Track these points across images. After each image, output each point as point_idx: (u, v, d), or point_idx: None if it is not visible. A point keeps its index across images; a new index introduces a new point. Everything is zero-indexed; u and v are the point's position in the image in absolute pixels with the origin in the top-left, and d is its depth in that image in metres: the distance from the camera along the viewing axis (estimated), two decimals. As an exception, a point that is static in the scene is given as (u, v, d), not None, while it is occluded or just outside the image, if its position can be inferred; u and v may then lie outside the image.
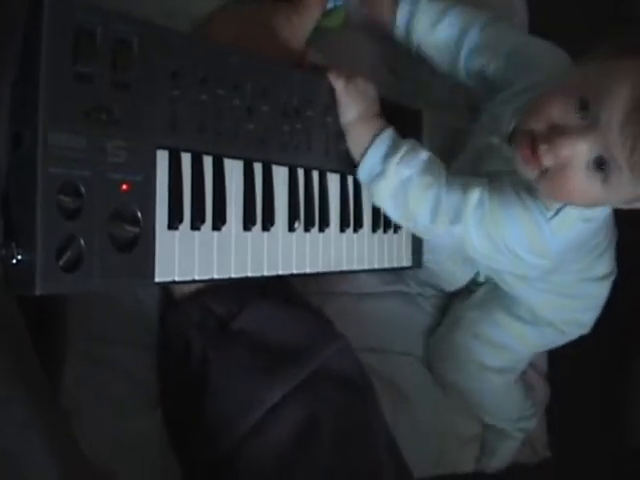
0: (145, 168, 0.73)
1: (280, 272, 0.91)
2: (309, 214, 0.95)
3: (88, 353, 0.90)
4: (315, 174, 0.97)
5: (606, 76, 0.82)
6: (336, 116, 0.98)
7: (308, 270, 0.95)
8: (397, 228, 1.13)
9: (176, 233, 0.76)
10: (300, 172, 0.94)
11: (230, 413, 0.86)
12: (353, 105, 0.97)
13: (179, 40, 0.76)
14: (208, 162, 0.81)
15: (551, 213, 0.96)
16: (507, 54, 1.08)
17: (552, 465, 1.42)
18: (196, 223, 0.79)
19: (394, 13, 1.13)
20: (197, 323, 0.89)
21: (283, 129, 0.90)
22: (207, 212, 0.80)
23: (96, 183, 0.68)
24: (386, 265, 1.11)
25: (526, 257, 1.01)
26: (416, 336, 1.25)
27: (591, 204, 0.93)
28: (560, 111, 0.85)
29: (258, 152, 0.87)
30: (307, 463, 0.84)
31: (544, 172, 0.88)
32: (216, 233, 0.82)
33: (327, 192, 0.98)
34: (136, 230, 0.71)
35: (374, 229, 1.08)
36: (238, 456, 0.85)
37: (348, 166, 1.01)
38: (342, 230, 1.01)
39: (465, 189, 0.99)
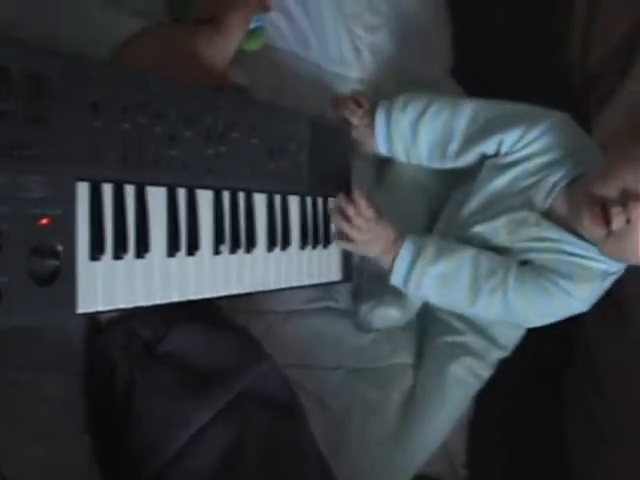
0: (65, 201, 0.72)
1: (206, 295, 0.91)
2: (235, 236, 0.96)
3: (9, 380, 0.89)
4: (241, 195, 0.97)
5: None
6: (262, 136, 0.99)
7: (235, 291, 0.96)
8: (326, 243, 1.14)
9: (98, 264, 0.77)
10: (226, 195, 0.94)
11: (156, 437, 0.86)
12: (375, 245, 1.14)
13: (98, 69, 0.76)
14: (130, 191, 0.81)
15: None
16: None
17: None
18: (119, 253, 0.79)
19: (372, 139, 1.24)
20: (123, 347, 0.89)
21: (207, 153, 0.90)
22: (130, 241, 0.80)
23: (15, 220, 0.68)
24: (315, 281, 1.12)
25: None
26: (346, 349, 1.25)
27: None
28: (631, 180, 0.95)
29: (182, 178, 0.87)
30: None
31: (610, 233, 0.98)
32: (140, 261, 0.82)
33: (254, 213, 0.99)
34: (56, 263, 0.71)
35: (302, 246, 1.09)
36: None
37: (274, 185, 1.02)
38: (270, 249, 1.02)
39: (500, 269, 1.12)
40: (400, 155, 1.26)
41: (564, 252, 1.10)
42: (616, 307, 1.29)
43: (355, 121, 1.24)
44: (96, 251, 0.76)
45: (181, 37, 0.96)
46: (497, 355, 1.30)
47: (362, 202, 1.12)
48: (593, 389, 1.51)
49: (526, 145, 1.14)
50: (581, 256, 1.09)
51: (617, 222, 0.96)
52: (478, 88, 1.30)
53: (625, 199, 0.96)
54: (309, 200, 1.11)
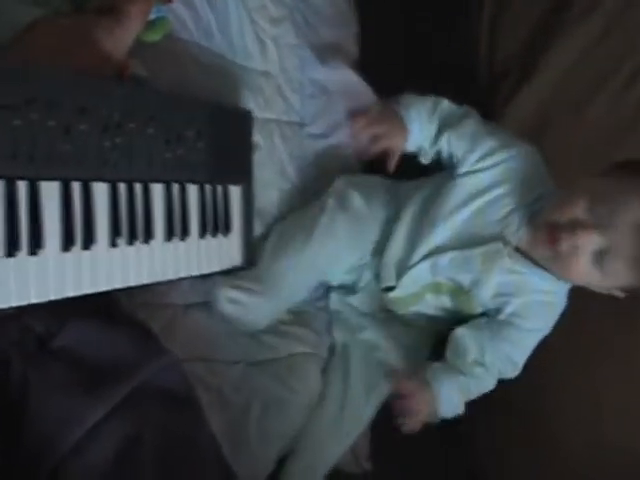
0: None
1: (103, 288, 0.91)
2: (132, 228, 0.95)
3: None
4: (138, 186, 0.96)
5: (621, 192, 1.05)
6: (159, 125, 0.98)
7: (133, 283, 0.95)
8: (227, 231, 1.14)
9: (-10, 261, 0.75)
10: (122, 186, 0.94)
11: (50, 433, 0.84)
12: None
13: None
14: (22, 187, 0.79)
15: None
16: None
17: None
18: (11, 250, 0.77)
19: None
20: (16, 342, 0.87)
21: (103, 145, 0.89)
22: (22, 238, 0.79)
23: None
24: (216, 269, 1.13)
25: None
26: (245, 342, 1.26)
27: (587, 284, 1.15)
28: (582, 211, 1.07)
29: (76, 172, 0.86)
30: None
31: (557, 254, 1.10)
32: (33, 258, 0.81)
33: (151, 203, 0.98)
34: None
35: (202, 235, 1.09)
36: (62, 477, 0.84)
37: (173, 174, 1.02)
38: (168, 239, 1.02)
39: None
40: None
41: (533, 288, 1.22)
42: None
43: (379, 130, 1.28)
44: (-13, 249, 0.75)
45: (80, 27, 0.94)
46: None
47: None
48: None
49: (493, 165, 1.22)
50: (546, 292, 1.22)
51: (565, 245, 1.08)
52: (383, 82, 1.33)
53: (574, 227, 1.07)
54: (208, 188, 1.11)
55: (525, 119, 1.54)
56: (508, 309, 1.25)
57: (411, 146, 1.29)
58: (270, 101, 1.34)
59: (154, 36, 1.09)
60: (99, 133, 0.88)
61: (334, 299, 1.41)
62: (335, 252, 1.29)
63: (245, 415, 1.21)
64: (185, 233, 1.05)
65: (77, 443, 0.84)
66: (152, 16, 1.05)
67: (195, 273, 1.08)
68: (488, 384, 1.30)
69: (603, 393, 1.39)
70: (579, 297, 1.23)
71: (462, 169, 1.24)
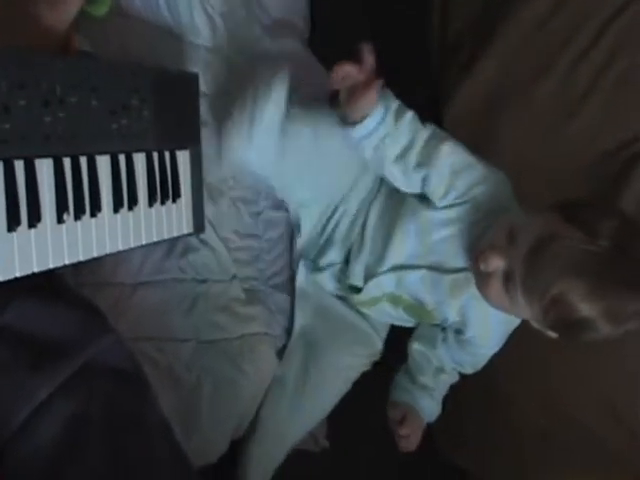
0: None
1: (51, 266, 0.90)
2: (78, 202, 0.94)
3: None
4: (83, 160, 0.95)
5: (529, 223, 1.09)
6: (102, 96, 0.96)
7: (82, 258, 0.95)
8: (175, 198, 1.14)
9: None
10: (66, 161, 0.92)
11: None
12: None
13: None
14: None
15: None
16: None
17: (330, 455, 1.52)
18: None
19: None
20: None
21: (44, 120, 0.87)
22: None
23: None
24: (166, 236, 1.12)
25: None
26: (196, 320, 1.25)
27: (503, 310, 1.17)
28: (502, 238, 1.10)
29: (18, 149, 0.84)
30: (78, 460, 0.84)
31: (477, 276, 1.15)
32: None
33: (97, 176, 0.97)
34: None
35: (150, 203, 1.08)
36: (9, 455, 0.83)
37: (118, 145, 1.00)
38: (116, 211, 1.01)
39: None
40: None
41: (496, 318, 1.23)
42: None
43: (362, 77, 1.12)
44: None
45: (19, 1, 0.91)
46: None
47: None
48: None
49: (465, 202, 1.19)
50: (508, 321, 1.24)
51: (480, 265, 1.11)
52: (332, 60, 1.31)
53: (489, 249, 1.10)
54: (156, 155, 1.10)
55: (478, 92, 1.54)
56: (469, 332, 1.27)
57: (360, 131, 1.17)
58: (218, 77, 1.31)
59: (99, 10, 1.07)
60: (40, 108, 0.87)
61: (302, 273, 1.40)
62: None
63: (196, 393, 1.22)
64: (133, 203, 1.04)
65: (23, 423, 0.84)
66: (96, -10, 1.02)
67: (144, 242, 1.07)
68: (454, 379, 1.36)
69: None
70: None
71: (436, 203, 1.21)
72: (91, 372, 0.90)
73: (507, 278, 1.09)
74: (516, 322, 1.25)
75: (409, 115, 1.17)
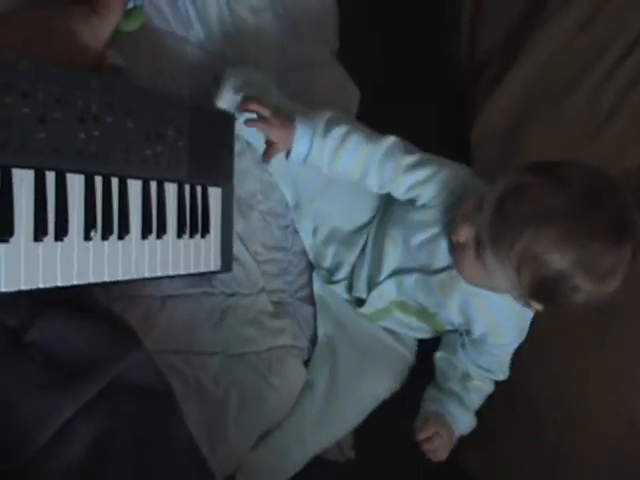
0: None
1: (75, 282, 0.89)
2: (107, 222, 0.93)
3: None
4: (114, 180, 0.95)
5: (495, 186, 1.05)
6: (138, 120, 0.96)
7: (107, 279, 0.94)
8: (205, 233, 1.13)
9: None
10: (98, 179, 0.92)
11: (20, 431, 0.83)
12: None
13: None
14: (-6, 173, 0.78)
15: None
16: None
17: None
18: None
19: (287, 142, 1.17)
20: None
21: (79, 136, 0.88)
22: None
23: None
24: (192, 270, 1.11)
25: None
26: (224, 334, 1.24)
27: (482, 284, 1.14)
28: (468, 208, 1.09)
29: (51, 161, 0.84)
30: (103, 478, 0.83)
31: (452, 251, 1.15)
32: (3, 245, 0.79)
33: (127, 199, 0.97)
34: None
35: (179, 235, 1.07)
36: (34, 476, 0.82)
37: (151, 171, 1.00)
38: (144, 237, 1.00)
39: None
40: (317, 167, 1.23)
41: (495, 309, 1.20)
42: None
43: (266, 113, 1.15)
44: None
45: (56, 17, 0.93)
46: None
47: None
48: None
49: (439, 204, 1.19)
50: (509, 313, 1.20)
51: (453, 237, 1.11)
52: (362, 72, 1.31)
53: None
54: (187, 188, 1.10)
55: (505, 109, 1.54)
56: (477, 330, 1.24)
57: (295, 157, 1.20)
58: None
59: (131, 26, 1.08)
60: (75, 124, 0.87)
61: (317, 282, 1.40)
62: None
63: (223, 407, 1.20)
64: (162, 231, 1.03)
65: (48, 442, 0.83)
66: (129, 5, 1.04)
67: (170, 273, 1.06)
68: (488, 388, 1.31)
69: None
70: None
71: (417, 203, 1.22)
72: (117, 391, 0.90)
73: (478, 245, 1.06)
74: (528, 314, 1.21)
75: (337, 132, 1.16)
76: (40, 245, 0.84)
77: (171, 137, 1.03)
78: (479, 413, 1.31)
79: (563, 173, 0.99)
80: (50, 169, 0.85)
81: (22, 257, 0.82)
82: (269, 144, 1.18)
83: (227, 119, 1.18)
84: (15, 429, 0.84)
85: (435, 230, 1.19)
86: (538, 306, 1.06)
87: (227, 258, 1.19)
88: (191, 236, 1.10)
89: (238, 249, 1.25)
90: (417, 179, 1.18)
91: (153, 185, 1.02)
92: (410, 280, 1.24)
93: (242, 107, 1.15)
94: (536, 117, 1.49)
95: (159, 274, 1.04)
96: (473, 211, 1.07)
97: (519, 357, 1.29)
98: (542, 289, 1.01)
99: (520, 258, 0.98)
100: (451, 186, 1.17)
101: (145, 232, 1.00)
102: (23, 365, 0.86)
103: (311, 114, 1.17)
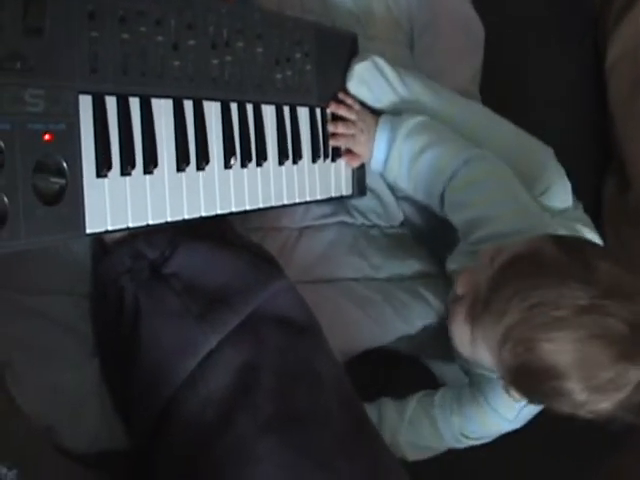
0: (67, 116, 0.69)
1: (218, 212, 0.89)
2: (245, 149, 0.92)
3: (15, 303, 0.88)
4: (249, 107, 0.94)
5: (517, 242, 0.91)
6: (268, 45, 0.95)
7: (248, 207, 0.93)
8: (335, 157, 1.10)
9: (105, 181, 0.74)
10: (233, 106, 0.91)
11: (164, 363, 0.83)
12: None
13: (94, -22, 0.72)
14: (135, 104, 0.78)
15: None
16: None
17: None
18: (126, 168, 0.76)
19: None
20: (129, 269, 0.86)
21: (212, 63, 0.87)
22: (137, 156, 0.77)
23: (16, 136, 0.64)
24: (328, 195, 1.09)
25: None
26: (358, 260, 1.18)
27: (465, 352, 0.98)
28: (482, 260, 0.93)
29: (187, 89, 0.84)
30: (249, 409, 0.82)
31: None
32: (148, 177, 0.79)
33: (263, 125, 0.96)
34: (62, 181, 0.68)
35: (314, 159, 1.05)
36: (176, 408, 0.82)
37: (283, 96, 0.99)
38: (281, 163, 0.99)
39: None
40: (391, 179, 1.16)
41: None
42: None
43: (353, 117, 1.10)
44: (102, 167, 0.73)
45: None
46: None
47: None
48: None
49: None
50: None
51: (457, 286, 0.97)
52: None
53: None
54: (318, 111, 1.07)
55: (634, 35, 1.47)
56: None
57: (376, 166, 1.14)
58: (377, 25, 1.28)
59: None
60: (208, 50, 0.86)
61: None
62: None
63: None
64: (297, 156, 1.02)
65: (191, 373, 0.83)
66: None
67: (309, 199, 1.05)
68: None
69: None
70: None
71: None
72: (260, 320, 0.88)
73: (474, 301, 0.91)
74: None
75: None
76: (183, 175, 0.83)
77: (299, 61, 1.02)
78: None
79: (593, 262, 0.83)
80: (187, 97, 0.84)
81: (166, 189, 0.81)
82: (351, 153, 1.13)
83: (350, 40, 1.15)
84: (156, 363, 0.84)
85: None
86: (517, 397, 0.91)
87: (361, 181, 1.17)
88: (324, 160, 1.08)
89: (375, 181, 1.20)
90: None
91: (286, 110, 1.00)
92: None
93: (332, 108, 1.10)
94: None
95: (298, 200, 1.03)
96: (486, 264, 0.92)
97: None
98: (526, 379, 0.85)
99: (505, 334, 0.83)
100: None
101: (282, 158, 0.99)
102: (164, 299, 0.85)
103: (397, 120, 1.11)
